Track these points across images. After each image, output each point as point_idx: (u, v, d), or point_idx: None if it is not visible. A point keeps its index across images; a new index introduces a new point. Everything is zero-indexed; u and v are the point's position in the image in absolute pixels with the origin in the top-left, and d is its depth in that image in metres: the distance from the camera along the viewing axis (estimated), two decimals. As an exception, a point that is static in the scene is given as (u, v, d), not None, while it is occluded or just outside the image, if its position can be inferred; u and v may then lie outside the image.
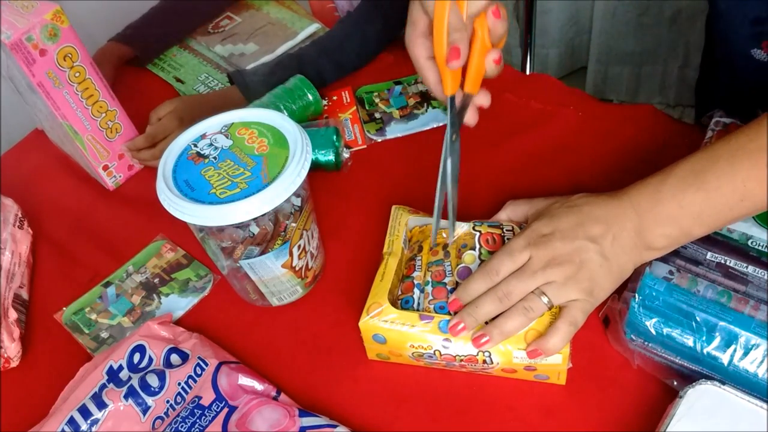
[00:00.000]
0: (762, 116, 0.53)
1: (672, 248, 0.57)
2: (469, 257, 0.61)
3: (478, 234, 0.62)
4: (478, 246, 0.61)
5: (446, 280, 0.60)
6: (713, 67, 0.85)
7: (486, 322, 0.56)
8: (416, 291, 0.60)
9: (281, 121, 0.63)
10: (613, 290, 0.57)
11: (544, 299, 0.54)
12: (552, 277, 0.55)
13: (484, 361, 0.57)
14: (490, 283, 0.56)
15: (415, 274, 0.62)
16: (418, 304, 0.59)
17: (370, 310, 0.59)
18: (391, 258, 0.63)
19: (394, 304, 0.59)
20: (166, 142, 0.83)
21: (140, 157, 0.85)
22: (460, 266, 0.61)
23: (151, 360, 0.63)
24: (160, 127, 0.84)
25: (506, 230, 0.63)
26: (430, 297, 0.59)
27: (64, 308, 0.73)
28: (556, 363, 0.56)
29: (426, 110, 0.87)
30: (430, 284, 0.60)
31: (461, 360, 0.57)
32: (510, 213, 0.65)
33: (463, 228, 0.63)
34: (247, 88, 0.88)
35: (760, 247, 0.58)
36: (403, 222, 0.67)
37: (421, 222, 0.67)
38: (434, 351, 0.57)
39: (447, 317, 0.57)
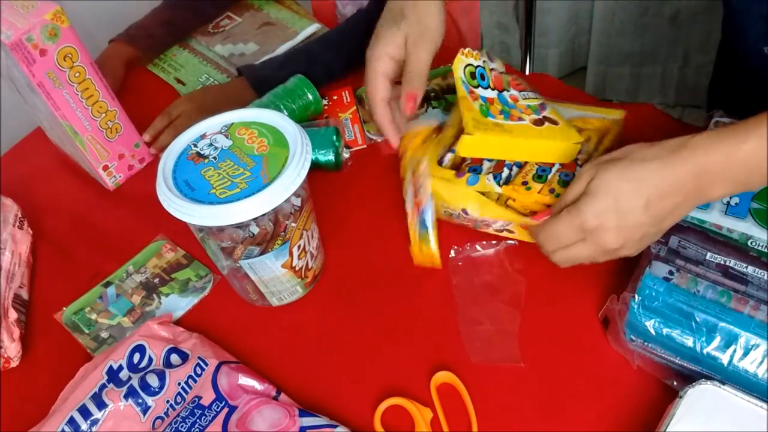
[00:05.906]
0: None
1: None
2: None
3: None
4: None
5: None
6: (727, 68, 0.85)
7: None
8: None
9: (281, 121, 0.63)
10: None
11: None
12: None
13: None
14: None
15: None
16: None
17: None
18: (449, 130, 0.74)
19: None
20: (180, 120, 0.86)
21: (163, 142, 0.86)
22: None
23: (151, 360, 0.63)
24: (174, 107, 0.87)
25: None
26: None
27: (64, 308, 0.73)
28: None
29: (426, 110, 0.87)
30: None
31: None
32: None
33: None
34: (257, 82, 0.89)
35: (760, 247, 0.58)
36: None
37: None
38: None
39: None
